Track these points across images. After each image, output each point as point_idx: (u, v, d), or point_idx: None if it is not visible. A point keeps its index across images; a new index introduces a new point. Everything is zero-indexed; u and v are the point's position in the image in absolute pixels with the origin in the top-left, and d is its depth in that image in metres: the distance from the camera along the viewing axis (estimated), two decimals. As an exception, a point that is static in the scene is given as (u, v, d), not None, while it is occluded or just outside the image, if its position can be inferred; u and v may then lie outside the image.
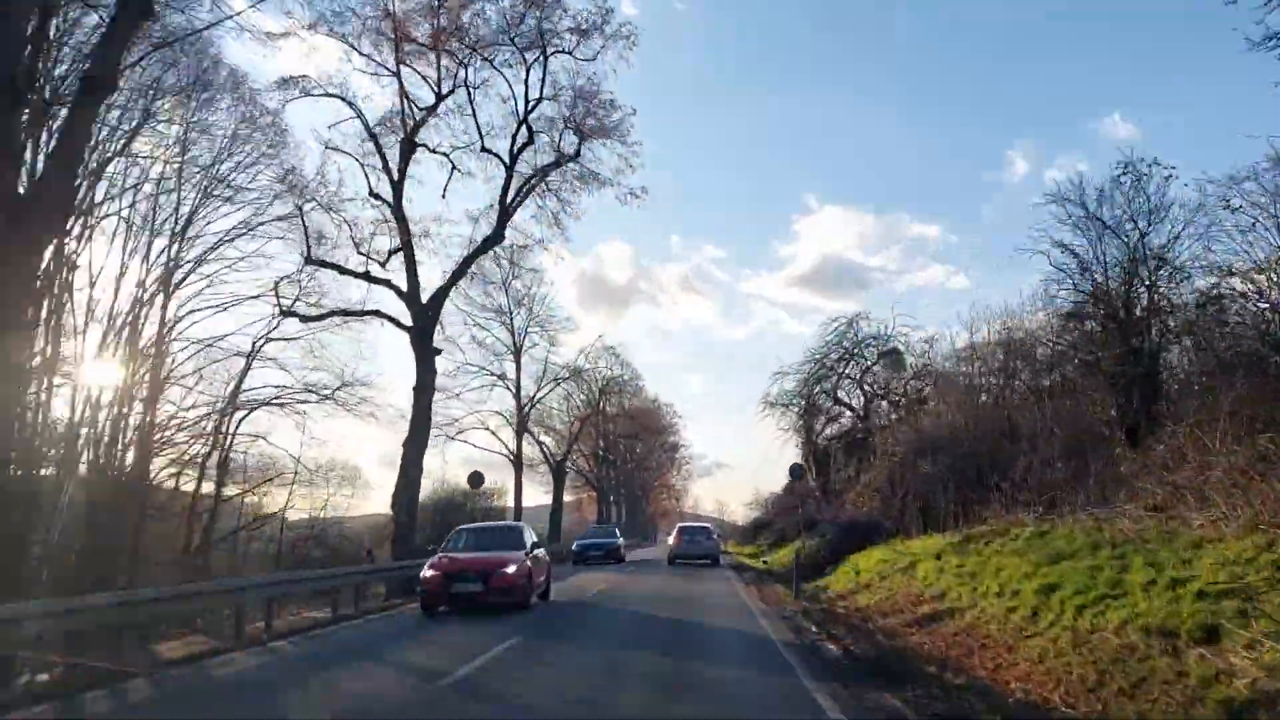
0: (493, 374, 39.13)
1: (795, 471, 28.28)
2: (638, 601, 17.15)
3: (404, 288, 21.25)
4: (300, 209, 20.85)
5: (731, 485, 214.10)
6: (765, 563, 36.77)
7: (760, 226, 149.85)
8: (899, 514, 23.98)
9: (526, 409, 39.93)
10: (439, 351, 21.30)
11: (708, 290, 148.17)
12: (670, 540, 34.91)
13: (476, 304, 38.01)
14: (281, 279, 21.25)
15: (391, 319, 21.87)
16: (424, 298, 21.37)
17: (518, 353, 39.95)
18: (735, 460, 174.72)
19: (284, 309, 21.21)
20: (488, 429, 39.40)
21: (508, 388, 39.74)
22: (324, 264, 21.47)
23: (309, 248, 20.90)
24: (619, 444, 73.29)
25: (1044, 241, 17.80)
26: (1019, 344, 22.53)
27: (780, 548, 41.31)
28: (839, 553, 26.24)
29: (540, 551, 16.82)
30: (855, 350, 34.72)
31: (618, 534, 35.56)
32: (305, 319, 21.85)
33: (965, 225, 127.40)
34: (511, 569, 14.74)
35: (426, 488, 40.56)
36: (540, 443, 44.79)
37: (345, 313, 22.18)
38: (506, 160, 21.71)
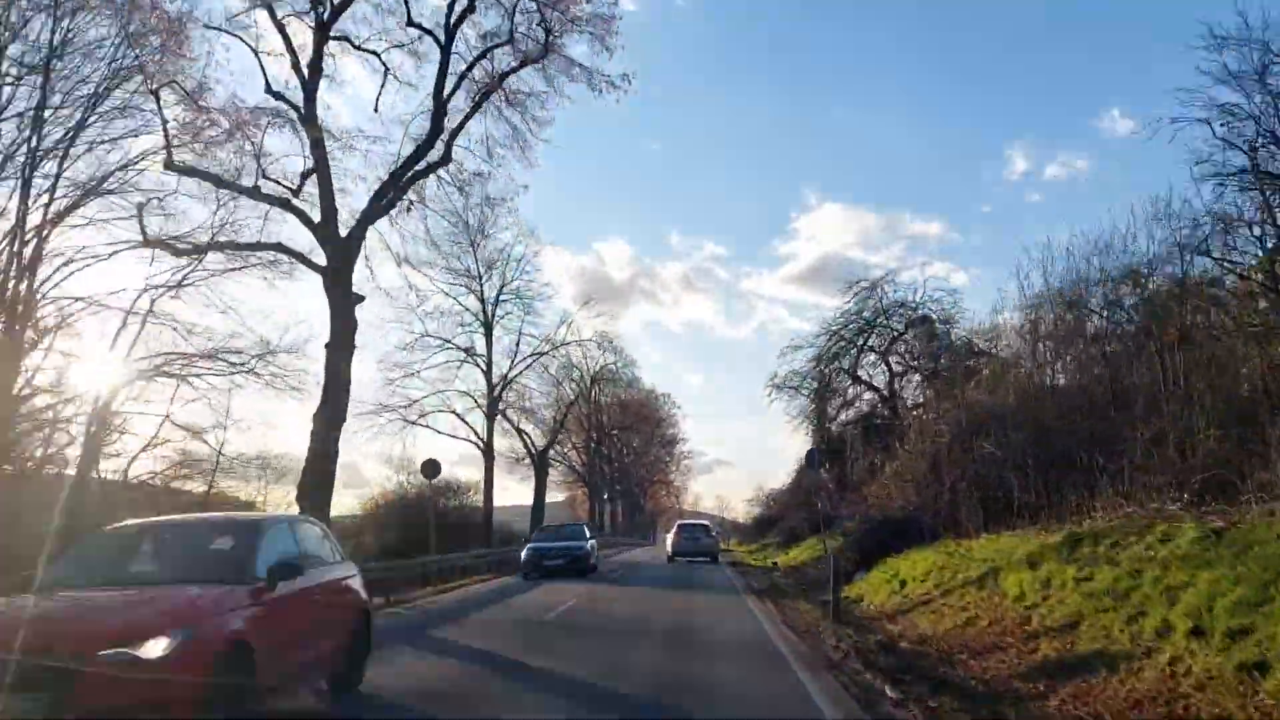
0: (459, 348, 34.19)
1: (812, 458, 23.62)
2: (589, 661, 9.40)
3: (317, 218, 16.40)
4: (156, 94, 15.93)
5: (732, 483, 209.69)
6: (774, 564, 32.03)
7: (760, 224, 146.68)
8: (947, 507, 19.28)
9: (498, 388, 35.02)
10: (361, 299, 16.55)
11: (708, 288, 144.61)
12: (669, 538, 34.23)
13: (439, 266, 33.17)
14: (149, 200, 16.41)
15: (297, 255, 17.03)
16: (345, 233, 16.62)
17: (488, 325, 34.94)
18: (736, 457, 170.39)
19: (148, 237, 16.32)
20: (453, 412, 34.54)
21: (476, 364, 34.85)
22: (192, 172, 16.49)
23: (170, 149, 15.96)
24: (613, 436, 68.63)
25: (1196, 106, 12.81)
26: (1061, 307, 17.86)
27: (791, 547, 36.61)
28: (868, 554, 21.58)
29: (318, 577, 7.55)
30: (878, 320, 29.98)
31: (587, 534, 26.16)
32: (179, 251, 16.96)
33: (966, 223, 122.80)
34: (157, 647, 5.09)
35: (391, 484, 35.91)
36: (520, 430, 39.82)
37: (236, 246, 17.21)
38: (441, 38, 16.83)
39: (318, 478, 15.42)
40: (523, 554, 24.16)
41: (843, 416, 39.28)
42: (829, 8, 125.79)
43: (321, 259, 16.49)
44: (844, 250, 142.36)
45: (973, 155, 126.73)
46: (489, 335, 34.70)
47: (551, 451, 61.19)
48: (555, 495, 76.44)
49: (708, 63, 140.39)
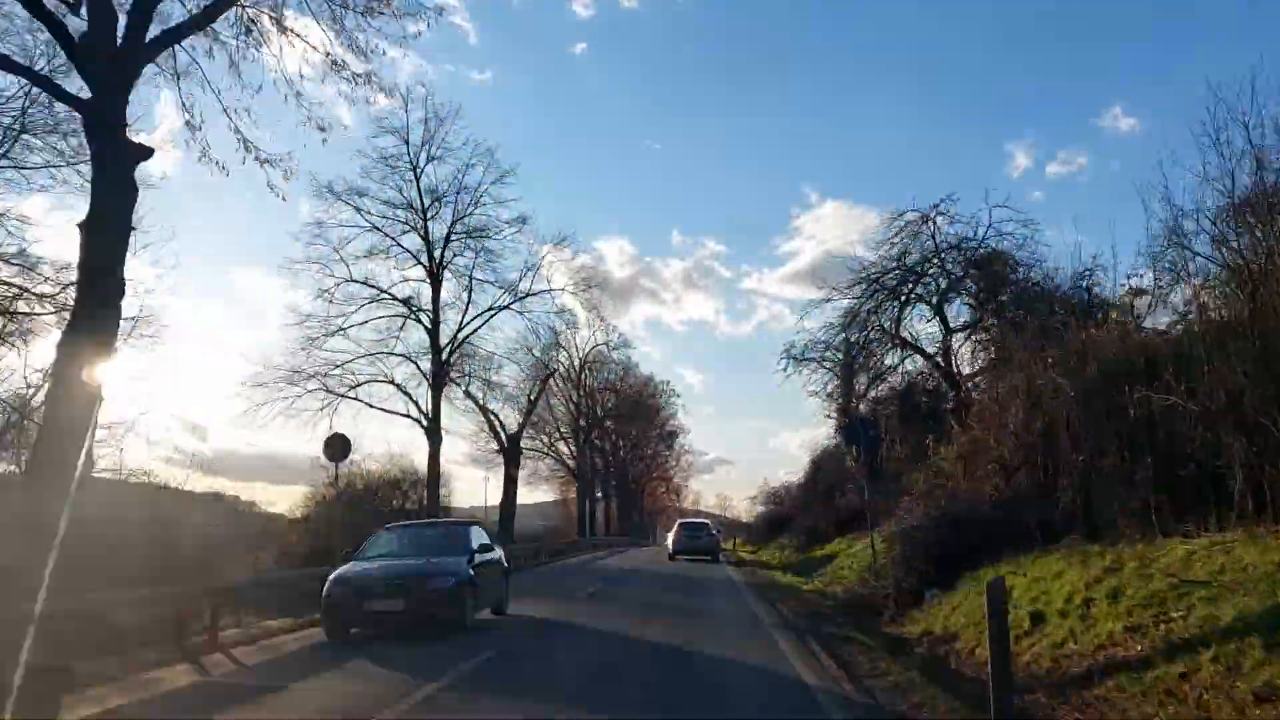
0: (395, 298, 27.54)
1: (856, 433, 17.39)
2: None
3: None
4: None
5: (733, 482, 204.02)
6: (796, 573, 25.68)
7: (761, 221, 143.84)
8: (1074, 494, 12.97)
9: (448, 352, 28.38)
10: (146, 152, 10.10)
11: (709, 286, 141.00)
12: (670, 536, 33.96)
13: (371, 196, 26.76)
14: None
15: (28, 72, 10.69)
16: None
17: (435, 271, 28.22)
18: (738, 457, 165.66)
19: None
20: (393, 383, 27.91)
21: (419, 321, 28.17)
22: None
23: None
24: (606, 425, 62.34)
25: None
26: None
27: (813, 549, 30.21)
28: (944, 565, 15.27)
29: None
30: (929, 265, 23.62)
31: (472, 544, 13.09)
32: None
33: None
34: None
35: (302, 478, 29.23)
36: (486, 409, 33.00)
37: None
38: None
39: (64, 439, 9.13)
40: (325, 586, 11.65)
41: (873, 393, 33.15)
42: (830, 5, 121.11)
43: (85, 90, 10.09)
44: (846, 248, 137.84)
45: (974, 153, 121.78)
46: (435, 285, 27.97)
47: (536, 442, 55.04)
48: (545, 495, 69.99)
49: (709, 61, 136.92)
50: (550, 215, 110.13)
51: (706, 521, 38.48)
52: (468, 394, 30.41)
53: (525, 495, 68.98)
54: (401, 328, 27.74)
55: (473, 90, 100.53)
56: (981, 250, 22.54)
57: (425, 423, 27.60)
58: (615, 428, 66.32)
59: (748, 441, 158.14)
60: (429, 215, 27.58)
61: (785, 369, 31.55)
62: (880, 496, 30.96)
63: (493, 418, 33.33)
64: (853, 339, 27.42)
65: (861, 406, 34.67)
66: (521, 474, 54.82)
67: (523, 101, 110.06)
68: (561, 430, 56.40)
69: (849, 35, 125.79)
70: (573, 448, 56.93)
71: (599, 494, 65.69)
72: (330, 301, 26.46)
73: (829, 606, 15.39)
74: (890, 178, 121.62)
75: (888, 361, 26.46)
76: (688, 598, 17.17)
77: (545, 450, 55.89)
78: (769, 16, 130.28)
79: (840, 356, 32.84)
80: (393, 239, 27.22)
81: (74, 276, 10.94)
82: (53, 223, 79.34)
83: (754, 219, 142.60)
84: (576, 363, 57.02)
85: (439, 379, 27.59)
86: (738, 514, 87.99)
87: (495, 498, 66.70)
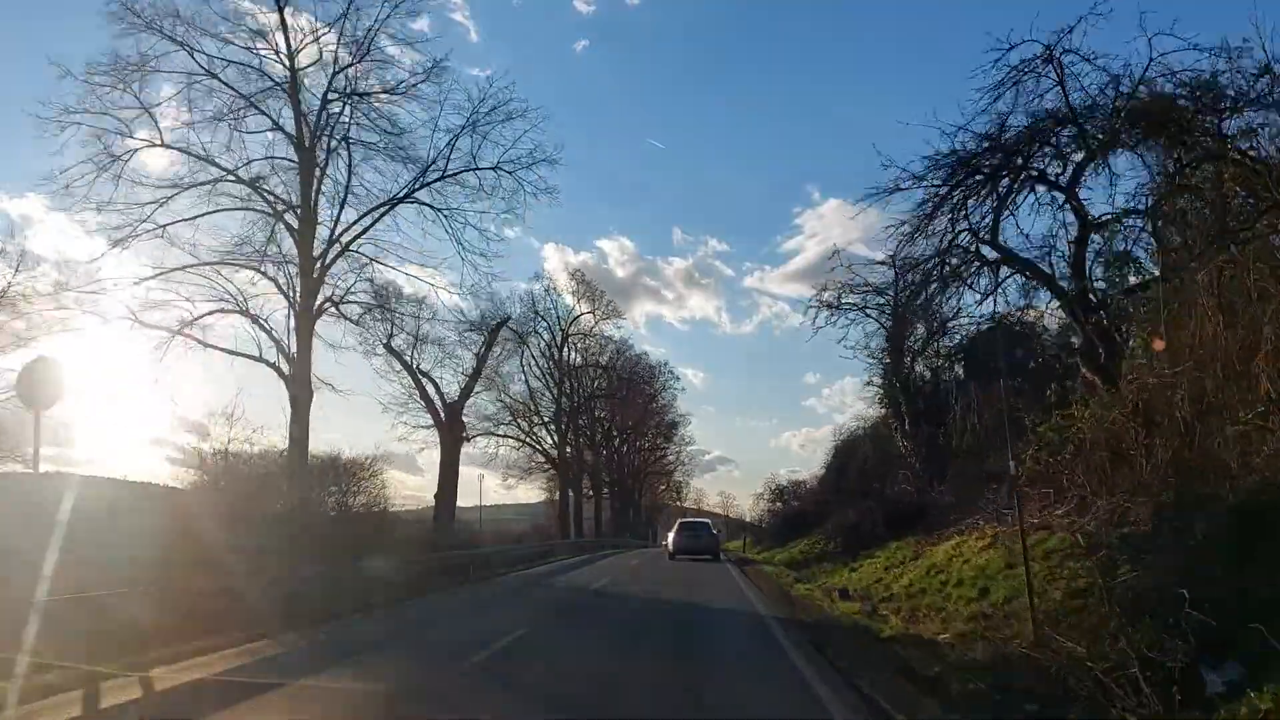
0: (241, 181, 18.52)
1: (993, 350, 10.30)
2: None
3: None
4: None
5: (735, 481, 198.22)
6: (844, 594, 17.61)
7: (762, 220, 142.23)
8: None
9: (322, 262, 19.33)
10: None
11: (711, 285, 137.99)
12: (670, 536, 33.68)
13: (209, 33, 18.33)
14: None
15: None
16: None
17: (306, 144, 19.27)
18: (740, 456, 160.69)
19: None
20: (248, 314, 19.03)
21: (281, 219, 19.22)
22: None
23: None
24: (595, 410, 54.43)
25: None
26: None
27: (860, 558, 22.03)
28: (1236, 614, 7.34)
29: None
30: (1046, 135, 15.54)
31: None
32: None
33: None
34: None
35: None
36: (415, 370, 23.99)
37: None
38: None
39: None
40: None
41: (935, 346, 25.30)
42: (831, 4, 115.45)
43: None
44: (848, 247, 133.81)
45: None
46: (308, 166, 18.77)
47: (513, 428, 47.03)
48: (534, 495, 61.64)
49: (710, 59, 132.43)
50: (550, 214, 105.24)
51: (707, 521, 37.47)
52: (389, 348, 22.10)
53: (512, 494, 61.00)
54: (270, 238, 18.70)
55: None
56: (1136, 100, 14.46)
57: (285, 372, 18.80)
58: (607, 414, 58.35)
59: (750, 441, 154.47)
60: (298, 63, 18.47)
61: (815, 319, 23.77)
62: (941, 481, 22.99)
63: (424, 380, 24.76)
64: (907, 268, 19.29)
65: (920, 365, 26.75)
66: (499, 466, 46.97)
67: (523, 99, 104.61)
68: (542, 415, 48.43)
69: (850, 33, 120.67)
70: (554, 435, 48.99)
71: (589, 490, 57.70)
72: (117, 178, 17.92)
73: (979, 690, 7.34)
74: (892, 174, 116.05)
75: (969, 293, 18.26)
76: (674, 677, 8.75)
77: (523, 438, 47.86)
78: (770, 15, 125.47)
79: (886, 301, 24.96)
80: (245, 97, 18.34)
81: None
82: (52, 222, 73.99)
83: (756, 217, 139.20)
84: (557, 337, 49.20)
85: (308, 300, 18.74)
86: (741, 513, 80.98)
87: (493, 496, 57.19)
